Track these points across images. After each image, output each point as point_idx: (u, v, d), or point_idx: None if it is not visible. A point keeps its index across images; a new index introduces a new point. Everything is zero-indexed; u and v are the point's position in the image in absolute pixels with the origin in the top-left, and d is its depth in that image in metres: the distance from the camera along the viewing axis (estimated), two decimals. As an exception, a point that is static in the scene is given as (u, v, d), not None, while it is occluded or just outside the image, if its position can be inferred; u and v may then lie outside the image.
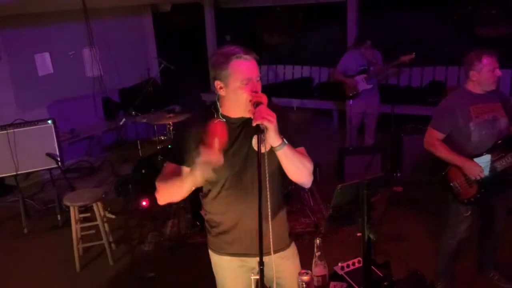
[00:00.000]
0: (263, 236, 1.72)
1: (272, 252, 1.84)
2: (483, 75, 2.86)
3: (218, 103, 1.99)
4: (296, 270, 2.10)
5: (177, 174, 1.91)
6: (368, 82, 5.36)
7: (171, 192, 1.92)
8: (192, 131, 1.96)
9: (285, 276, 2.15)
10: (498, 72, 2.86)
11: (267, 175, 1.81)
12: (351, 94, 5.43)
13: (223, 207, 2.05)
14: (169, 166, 2.00)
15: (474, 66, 2.88)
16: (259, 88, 1.90)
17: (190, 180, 1.81)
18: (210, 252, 2.21)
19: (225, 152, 1.84)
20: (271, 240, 1.85)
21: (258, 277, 1.73)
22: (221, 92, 1.92)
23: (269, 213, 1.90)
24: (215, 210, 2.09)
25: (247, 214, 1.99)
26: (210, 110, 2.01)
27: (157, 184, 1.95)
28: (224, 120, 1.96)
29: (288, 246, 2.18)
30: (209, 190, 2.07)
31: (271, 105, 1.85)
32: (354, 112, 5.56)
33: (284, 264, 2.14)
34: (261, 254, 1.70)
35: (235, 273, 2.15)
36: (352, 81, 5.40)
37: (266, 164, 1.78)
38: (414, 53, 4.94)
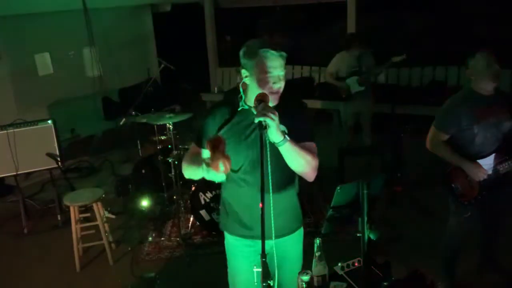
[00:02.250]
0: (270, 222, 1.86)
1: (273, 237, 1.93)
2: (479, 71, 2.85)
3: (242, 92, 2.11)
4: (298, 254, 2.32)
5: (198, 155, 2.11)
6: (360, 84, 5.34)
7: (191, 172, 2.10)
8: (216, 117, 2.10)
9: (290, 257, 2.28)
10: (495, 66, 2.82)
11: (269, 167, 1.94)
12: (344, 96, 5.45)
13: (237, 191, 2.17)
14: (193, 147, 2.22)
15: (469, 64, 2.89)
16: (282, 83, 2.01)
17: (202, 172, 1.91)
18: (225, 232, 2.33)
19: (243, 140, 2.04)
20: (272, 226, 1.94)
21: (260, 270, 1.74)
22: (246, 81, 2.05)
23: (278, 201, 2.03)
24: (229, 193, 2.23)
25: (257, 201, 2.03)
26: (236, 98, 2.12)
27: (182, 162, 2.18)
28: (246, 107, 2.07)
29: (294, 231, 2.28)
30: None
31: (290, 99, 2.06)
32: (348, 112, 5.58)
33: (289, 247, 2.27)
34: (263, 247, 1.72)
35: (245, 252, 2.23)
36: (343, 84, 5.40)
37: (272, 156, 1.94)
38: (405, 54, 4.96)
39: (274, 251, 2.00)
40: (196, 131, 2.25)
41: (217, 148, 1.80)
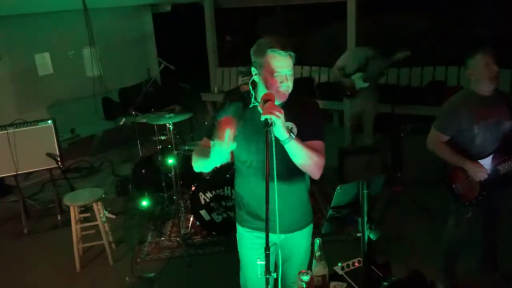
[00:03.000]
0: (276, 217, 1.87)
1: (277, 231, 1.92)
2: (478, 71, 2.84)
3: (251, 89, 2.13)
4: (306, 249, 2.35)
5: (208, 147, 2.11)
6: (365, 80, 5.33)
7: (200, 163, 2.15)
8: (229, 112, 2.13)
9: (298, 252, 2.33)
10: (494, 67, 2.82)
11: (277, 163, 1.94)
12: (349, 93, 5.44)
13: (248, 185, 2.23)
14: (204, 140, 2.27)
15: (468, 64, 2.89)
16: (290, 83, 2.05)
17: (211, 153, 1.96)
18: (237, 225, 2.38)
19: (253, 135, 2.06)
20: (277, 221, 1.92)
21: (264, 262, 1.76)
22: (255, 79, 2.09)
23: (287, 196, 2.08)
24: (241, 187, 2.29)
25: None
26: (247, 95, 2.15)
27: (192, 155, 2.22)
28: (257, 104, 2.10)
29: (304, 226, 2.31)
30: (238, 168, 2.26)
31: (300, 97, 2.14)
32: (352, 111, 5.58)
33: (297, 242, 2.31)
34: (267, 240, 1.74)
35: (255, 244, 2.28)
36: (349, 80, 5.39)
37: (280, 152, 1.92)
38: (409, 51, 4.94)
39: (278, 245, 2.02)
40: (207, 125, 2.26)
41: (226, 123, 1.86)
